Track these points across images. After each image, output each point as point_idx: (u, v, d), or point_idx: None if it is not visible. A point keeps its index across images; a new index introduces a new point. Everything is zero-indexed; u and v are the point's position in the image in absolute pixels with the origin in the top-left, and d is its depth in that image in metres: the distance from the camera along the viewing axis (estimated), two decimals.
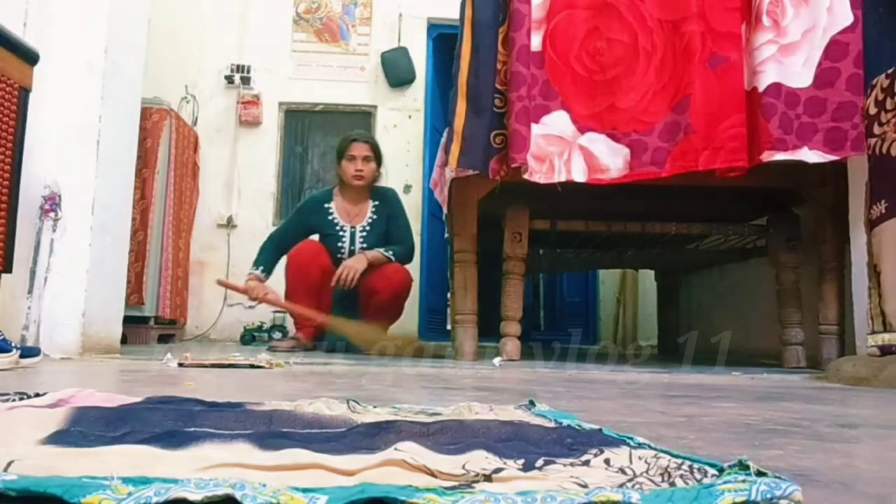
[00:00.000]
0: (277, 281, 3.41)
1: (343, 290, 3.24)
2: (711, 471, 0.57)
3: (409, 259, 3.43)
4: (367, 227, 3.44)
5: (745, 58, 2.37)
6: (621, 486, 0.54)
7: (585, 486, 0.53)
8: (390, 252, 3.31)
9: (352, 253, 3.39)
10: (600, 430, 0.79)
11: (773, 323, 2.86)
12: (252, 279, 3.32)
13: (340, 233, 3.44)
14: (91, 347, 2.42)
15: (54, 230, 2.37)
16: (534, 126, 2.46)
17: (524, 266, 2.82)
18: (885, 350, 2.02)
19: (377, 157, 3.47)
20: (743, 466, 0.55)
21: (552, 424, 0.83)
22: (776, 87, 2.29)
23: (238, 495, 0.45)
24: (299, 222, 3.51)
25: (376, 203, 3.48)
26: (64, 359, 2.23)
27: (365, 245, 3.38)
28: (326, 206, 3.50)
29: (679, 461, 0.60)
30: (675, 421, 1.05)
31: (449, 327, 4.66)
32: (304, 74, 5.51)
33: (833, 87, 2.29)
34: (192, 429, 0.71)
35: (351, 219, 3.46)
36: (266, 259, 3.42)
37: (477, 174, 2.58)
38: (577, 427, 0.81)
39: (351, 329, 3.12)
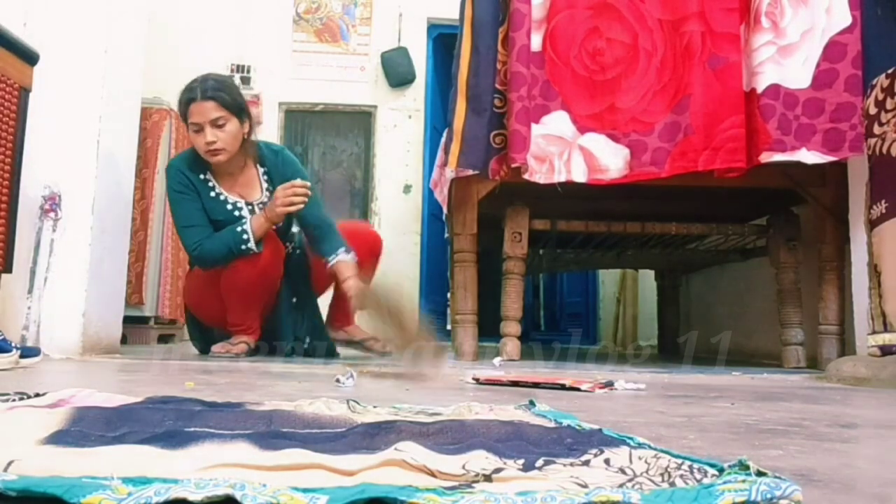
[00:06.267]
0: None
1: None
2: (711, 471, 0.57)
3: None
4: (266, 203, 2.51)
5: (744, 59, 2.38)
6: (621, 486, 0.54)
7: (585, 486, 0.53)
8: (347, 252, 2.51)
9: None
10: (600, 430, 0.79)
11: (773, 323, 2.86)
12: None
13: (235, 212, 2.52)
14: (91, 347, 2.42)
15: (54, 230, 2.37)
16: (534, 126, 2.46)
17: (524, 266, 2.81)
18: (886, 350, 2.02)
19: (236, 110, 2.46)
20: (743, 466, 0.55)
21: (552, 424, 0.83)
22: (775, 88, 2.30)
23: (238, 495, 0.45)
24: (193, 204, 2.52)
25: (266, 169, 2.61)
26: (64, 359, 2.23)
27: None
28: (202, 177, 2.54)
29: (679, 461, 0.60)
30: (675, 421, 1.05)
31: (449, 327, 4.66)
32: (304, 74, 5.52)
33: (831, 88, 2.30)
34: (192, 429, 0.71)
35: (241, 192, 2.58)
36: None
37: (477, 174, 2.58)
38: (577, 427, 0.81)
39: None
